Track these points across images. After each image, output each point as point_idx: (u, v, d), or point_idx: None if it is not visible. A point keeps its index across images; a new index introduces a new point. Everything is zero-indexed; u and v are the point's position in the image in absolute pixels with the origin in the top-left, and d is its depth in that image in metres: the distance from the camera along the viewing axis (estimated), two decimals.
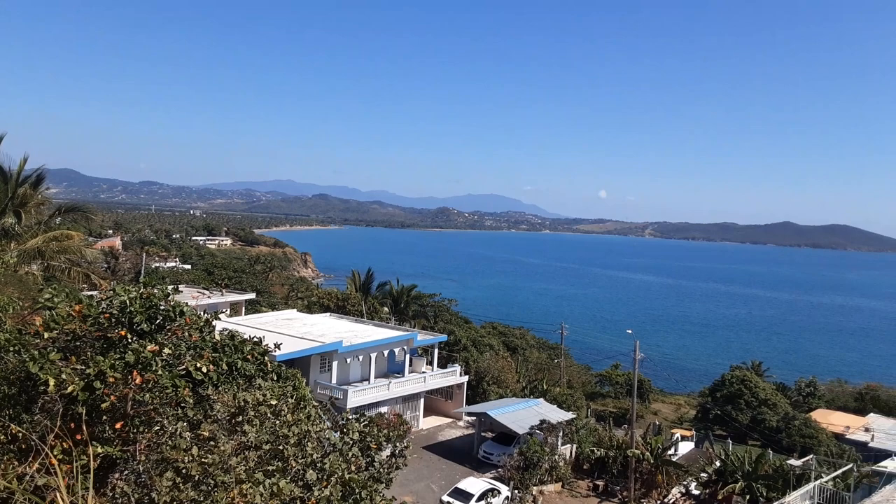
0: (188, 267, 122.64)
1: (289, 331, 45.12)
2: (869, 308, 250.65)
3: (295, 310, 60.13)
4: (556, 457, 39.24)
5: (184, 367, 10.08)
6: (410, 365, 49.18)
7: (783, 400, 70.78)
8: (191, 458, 7.87)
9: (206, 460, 7.93)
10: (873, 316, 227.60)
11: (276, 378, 12.48)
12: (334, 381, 43.36)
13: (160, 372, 9.25)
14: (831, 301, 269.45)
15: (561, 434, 42.27)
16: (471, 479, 35.99)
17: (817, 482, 36.26)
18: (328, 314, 58.12)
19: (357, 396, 42.55)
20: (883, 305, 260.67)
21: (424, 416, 49.26)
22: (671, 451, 44.03)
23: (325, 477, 9.08)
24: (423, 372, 49.48)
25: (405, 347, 48.29)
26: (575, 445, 43.00)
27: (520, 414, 42.82)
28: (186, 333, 10.93)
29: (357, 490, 9.08)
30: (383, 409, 44.02)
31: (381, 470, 10.76)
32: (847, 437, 62.80)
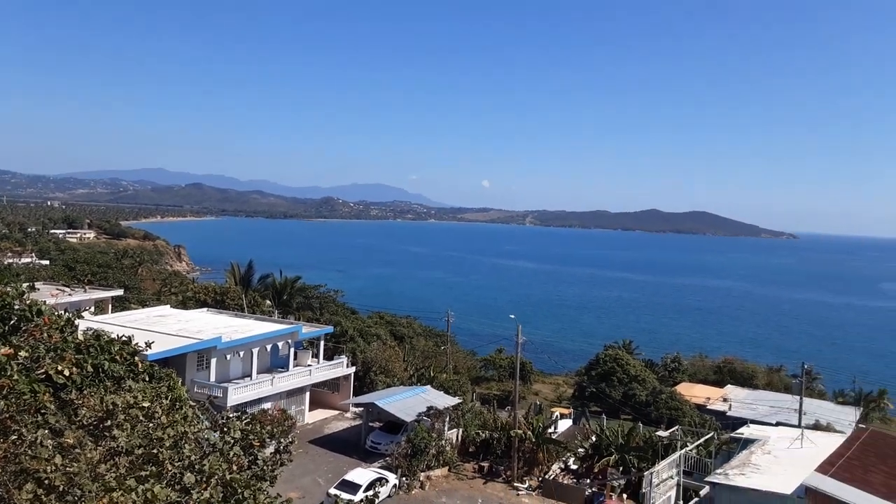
0: (46, 262, 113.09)
1: (162, 328, 42.81)
2: (724, 288, 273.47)
3: (168, 306, 57.05)
4: (443, 442, 39.93)
5: (43, 370, 9.37)
6: (295, 358, 48.20)
7: (651, 375, 75.77)
8: (53, 468, 7.36)
9: (70, 469, 7.44)
10: (728, 295, 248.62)
11: (148, 379, 11.86)
12: (213, 378, 41.67)
13: (16, 377, 8.52)
14: (692, 282, 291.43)
15: (447, 419, 43.02)
16: (358, 469, 35.90)
17: (682, 451, 39.28)
18: (205, 309, 55.67)
19: (238, 394, 41.16)
20: (736, 285, 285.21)
21: (311, 409, 48.50)
22: (551, 430, 46.01)
23: (204, 479, 8.78)
24: (309, 365, 48.64)
25: (289, 341, 47.24)
26: (461, 429, 43.93)
27: (407, 402, 43.15)
28: (45, 334, 10.17)
29: (239, 490, 8.84)
30: (267, 405, 42.89)
31: (265, 468, 10.53)
32: (708, 407, 68.37)
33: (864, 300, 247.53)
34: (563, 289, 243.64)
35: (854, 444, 32.07)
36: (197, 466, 8.80)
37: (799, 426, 40.94)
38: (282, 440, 11.45)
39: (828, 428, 55.04)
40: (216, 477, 8.72)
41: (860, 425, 54.95)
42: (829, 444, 33.41)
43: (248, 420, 11.26)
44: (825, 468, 28.03)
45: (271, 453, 11.01)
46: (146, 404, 9.51)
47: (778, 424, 50.18)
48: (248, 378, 44.13)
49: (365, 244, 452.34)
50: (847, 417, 64.32)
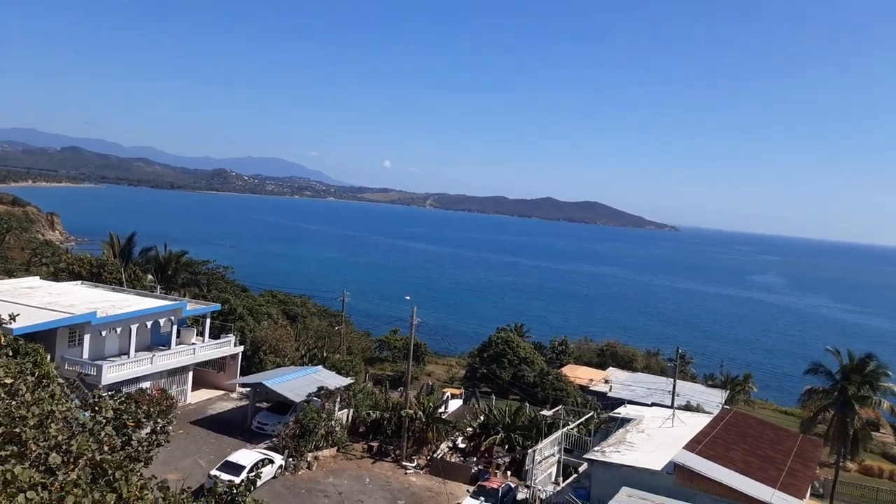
0: None
1: (30, 301, 39.71)
2: (611, 275, 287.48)
3: (38, 277, 52.93)
4: (333, 422, 39.66)
5: None
6: (178, 336, 46.15)
7: (540, 357, 78.65)
8: None
9: None
10: (614, 282, 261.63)
11: (11, 354, 11.01)
12: (86, 356, 39.15)
13: None
14: (582, 269, 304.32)
15: (338, 399, 42.77)
16: (242, 451, 35.01)
17: (564, 429, 41.12)
18: (80, 282, 52.12)
19: (113, 372, 38.92)
20: (622, 273, 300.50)
21: (194, 389, 46.69)
22: (441, 410, 46.76)
23: (71, 459, 8.29)
24: (193, 343, 46.72)
25: (172, 318, 45.11)
26: (352, 410, 43.80)
27: (297, 382, 42.45)
28: None
29: (110, 471, 8.39)
30: (145, 385, 40.86)
31: (140, 448, 10.06)
32: (591, 388, 71.96)
33: (734, 290, 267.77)
34: (460, 272, 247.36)
35: (719, 424, 34.76)
36: (64, 447, 8.29)
37: (671, 407, 43.81)
38: (159, 420, 10.95)
39: (697, 409, 59.34)
40: (85, 458, 8.24)
41: (726, 406, 59.69)
42: (697, 423, 36.01)
43: (123, 399, 10.69)
44: (692, 446, 30.19)
45: (147, 434, 10.51)
46: (9, 381, 8.88)
47: (653, 405, 53.53)
48: (126, 356, 41.81)
49: (259, 220, 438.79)
50: (715, 399, 69.56)
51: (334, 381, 44.24)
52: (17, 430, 8.08)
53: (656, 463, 29.90)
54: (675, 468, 28.50)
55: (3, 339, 10.82)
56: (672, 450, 30.19)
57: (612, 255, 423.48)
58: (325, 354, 55.39)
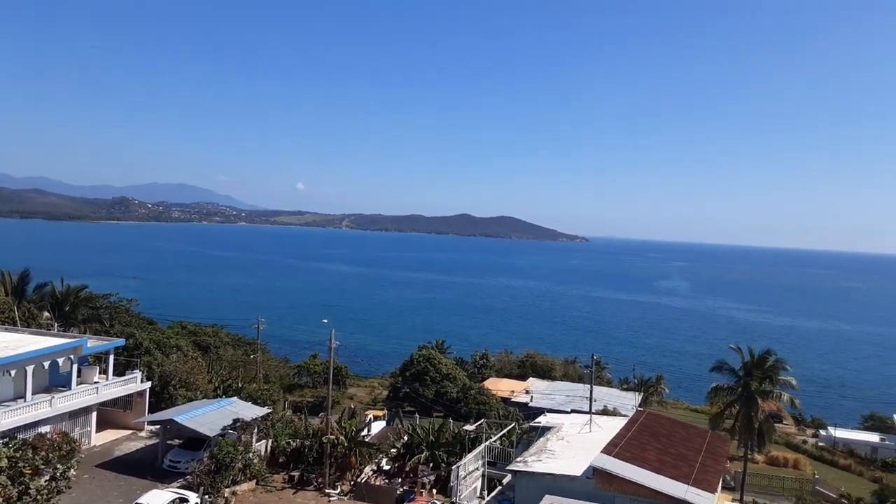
0: None
1: None
2: (528, 288, 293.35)
3: None
4: (251, 454, 38.19)
5: None
6: (79, 376, 43.34)
7: (462, 373, 78.95)
8: None
9: None
10: (531, 294, 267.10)
11: None
12: None
13: None
14: (499, 283, 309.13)
15: (256, 431, 41.27)
16: (154, 491, 33.12)
17: (487, 443, 41.32)
18: None
19: (8, 418, 36.04)
20: (539, 285, 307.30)
21: (99, 430, 43.91)
22: (364, 433, 45.98)
23: None
24: (96, 382, 44.01)
25: (72, 357, 42.33)
26: (271, 440, 42.38)
27: (210, 416, 40.70)
28: None
29: None
30: (45, 429, 38.06)
31: (39, 498, 9.35)
32: (512, 399, 72.87)
33: (643, 296, 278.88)
34: (378, 292, 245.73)
35: (633, 426, 35.86)
36: None
37: (589, 412, 44.86)
38: (59, 466, 10.20)
39: (614, 412, 61.18)
40: None
41: (640, 408, 61.79)
42: (614, 427, 37.04)
43: (19, 446, 9.92)
44: (609, 449, 30.99)
45: (46, 481, 9.76)
46: None
47: (572, 412, 54.73)
48: (22, 399, 38.85)
49: (165, 248, 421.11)
50: (630, 402, 71.99)
51: (251, 411, 42.69)
52: None
53: (576, 468, 30.50)
54: (594, 472, 29.15)
55: None
56: (591, 454, 30.88)
57: (527, 267, 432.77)
58: (240, 385, 53.43)
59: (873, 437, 77.69)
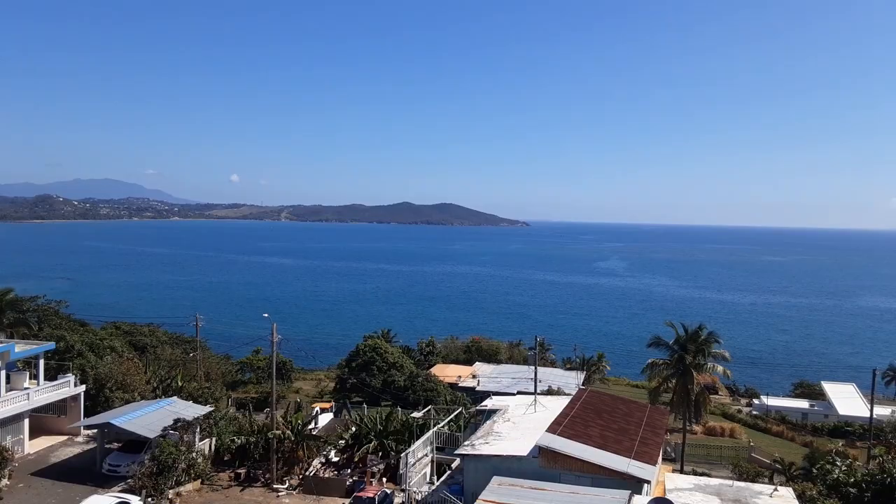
0: None
1: None
2: (470, 273, 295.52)
3: None
4: (194, 454, 37.35)
5: None
6: (8, 382, 41.42)
7: (409, 361, 79.04)
8: None
9: None
10: (474, 280, 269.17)
11: None
12: None
13: None
14: (442, 270, 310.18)
15: (198, 430, 40.35)
16: (94, 496, 32.08)
17: (435, 428, 41.59)
18: None
19: None
20: (482, 270, 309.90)
21: (32, 437, 42.19)
22: (311, 426, 45.64)
23: None
24: (27, 388, 42.14)
25: None
26: (214, 438, 41.54)
27: (150, 417, 39.59)
28: None
29: None
30: None
31: None
32: (460, 385, 73.43)
33: (582, 278, 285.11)
34: (320, 283, 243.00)
35: (577, 404, 36.72)
36: None
37: (534, 393, 45.65)
38: None
39: (558, 392, 62.46)
40: None
41: (583, 387, 63.29)
42: (558, 406, 37.83)
43: None
44: (554, 428, 31.66)
45: None
46: None
47: (518, 393, 55.61)
48: None
49: (94, 247, 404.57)
50: (573, 381, 73.58)
51: (192, 410, 41.71)
52: None
53: (523, 449, 31.06)
54: (540, 451, 29.75)
55: None
56: (536, 434, 31.50)
57: (469, 253, 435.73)
58: (180, 384, 52.03)
59: (803, 404, 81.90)
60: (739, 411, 79.29)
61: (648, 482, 28.08)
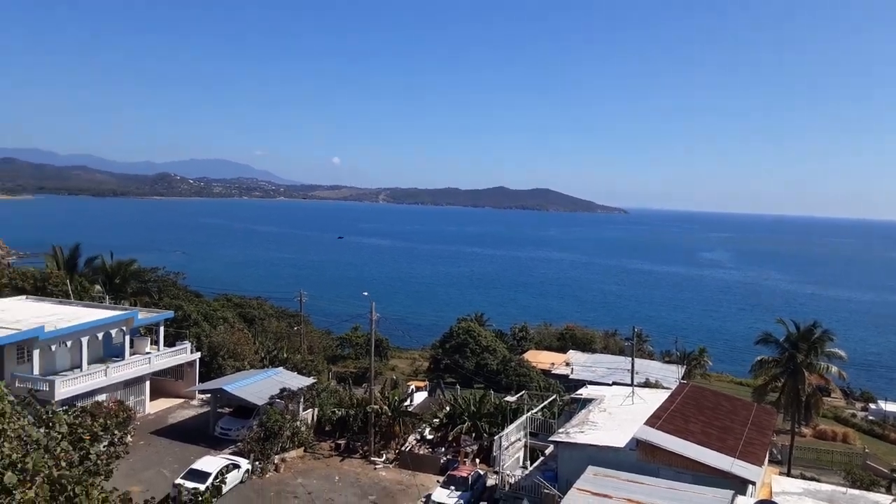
0: None
1: None
2: (566, 260, 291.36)
3: None
4: (298, 423, 39.24)
5: None
6: (132, 346, 44.98)
7: (502, 345, 79.20)
8: None
9: None
10: (569, 266, 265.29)
11: None
12: (37, 371, 37.82)
13: None
14: (536, 255, 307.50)
15: (302, 400, 42.31)
16: (207, 457, 34.36)
17: (528, 414, 41.55)
18: (24, 297, 50.21)
19: (67, 386, 37.72)
20: (577, 257, 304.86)
21: (153, 399, 45.64)
22: (407, 403, 46.75)
23: (28, 477, 8.02)
24: (148, 353, 45.59)
25: (124, 328, 43.88)
26: (316, 409, 43.40)
27: (258, 385, 41.84)
28: None
29: (69, 487, 8.13)
30: (101, 398, 39.68)
31: (99, 462, 9.76)
32: (553, 372, 72.90)
33: (684, 268, 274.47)
34: (415, 265, 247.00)
35: (677, 398, 35.61)
36: (19, 465, 8.00)
37: (631, 385, 44.68)
38: (116, 432, 10.65)
39: (656, 385, 60.76)
40: (42, 475, 7.97)
41: (683, 381, 61.26)
42: (656, 399, 36.84)
43: (77, 413, 10.37)
44: (653, 421, 30.88)
45: (105, 447, 10.20)
46: None
47: (613, 384, 54.56)
48: (79, 369, 40.53)
49: (209, 224, 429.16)
50: (672, 374, 71.26)
51: (296, 381, 43.74)
52: None
53: (619, 440, 30.50)
54: (638, 444, 29.12)
55: None
56: (634, 426, 30.83)
57: (564, 240, 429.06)
58: (285, 356, 54.67)
59: None
60: (854, 415, 74.28)
61: (753, 483, 26.92)
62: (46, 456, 8.63)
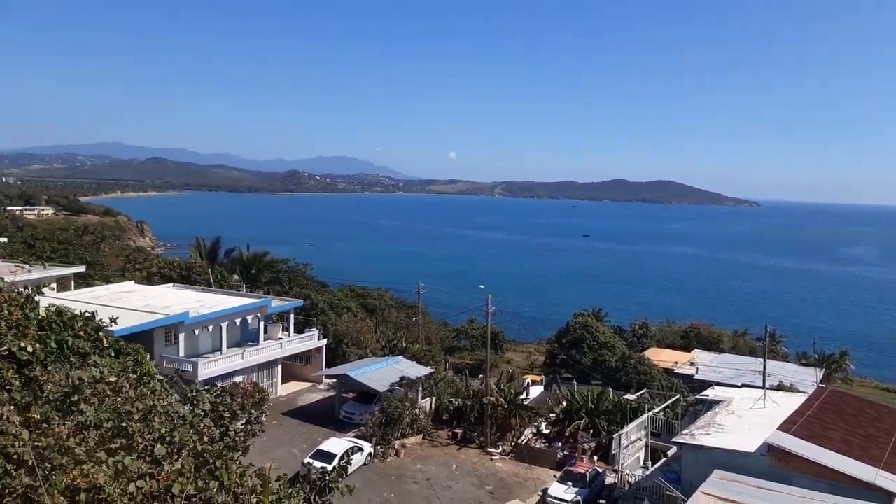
0: (4, 240, 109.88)
1: (127, 304, 42.04)
2: (689, 255, 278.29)
3: (133, 282, 56.03)
4: (417, 410, 40.25)
5: (5, 347, 9.16)
6: (265, 332, 47.89)
7: (620, 342, 77.10)
8: (22, 443, 7.19)
9: (39, 443, 7.29)
10: (693, 262, 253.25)
11: (114, 354, 11.67)
12: (182, 353, 41.21)
13: None
14: (657, 250, 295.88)
15: (420, 388, 43.34)
16: (333, 439, 36.02)
17: (650, 413, 40.20)
18: (171, 285, 54.82)
19: (208, 368, 40.82)
20: (702, 253, 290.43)
21: (283, 382, 48.42)
22: (523, 396, 46.68)
23: (175, 450, 8.70)
24: (280, 338, 48.42)
25: (259, 315, 46.84)
26: (434, 398, 44.30)
27: (380, 373, 43.28)
28: (6, 311, 9.91)
29: (211, 460, 8.77)
30: (238, 379, 42.61)
31: (237, 439, 10.45)
32: (676, 371, 69.97)
33: (823, 265, 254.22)
34: (531, 258, 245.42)
35: (815, 403, 33.13)
36: (167, 438, 8.70)
37: (762, 387, 42.10)
38: (253, 412, 11.36)
39: (791, 389, 56.81)
40: (187, 448, 8.63)
41: (821, 385, 56.92)
42: (791, 403, 34.47)
43: (218, 393, 11.16)
44: (787, 426, 28.93)
45: (242, 425, 10.92)
46: (113, 379, 9.39)
47: (743, 386, 51.56)
48: (219, 352, 43.74)
49: (334, 218, 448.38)
50: (809, 378, 66.33)
51: (415, 370, 44.84)
52: (124, 424, 8.53)
53: (749, 445, 28.84)
54: (770, 449, 27.41)
55: (105, 340, 11.48)
56: (765, 431, 29.05)
57: (687, 234, 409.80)
58: (404, 345, 56.20)
59: None
60: None
61: None
62: (191, 431, 9.32)
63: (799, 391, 51.08)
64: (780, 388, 55.23)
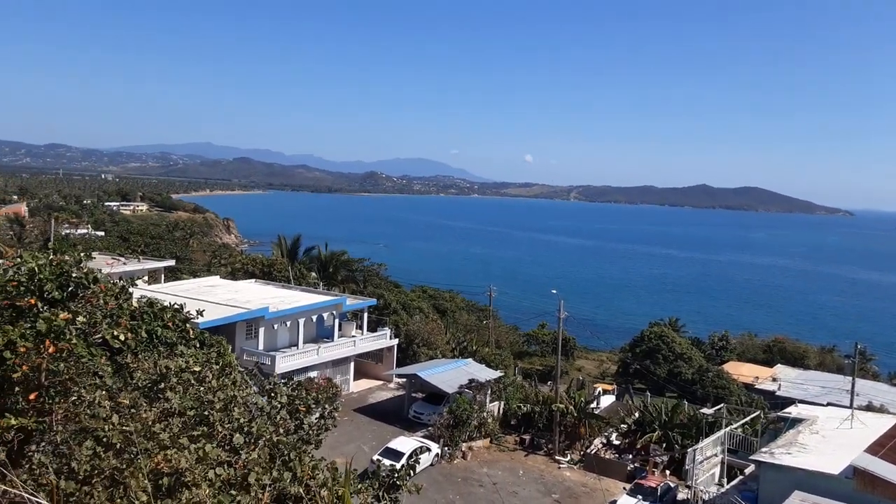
0: (101, 234, 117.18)
1: (212, 298, 44.00)
2: (775, 266, 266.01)
3: (218, 276, 58.61)
4: (485, 414, 40.28)
5: (100, 335, 9.78)
6: (340, 329, 49.03)
7: (698, 354, 74.54)
8: (111, 427, 7.70)
9: (127, 428, 7.78)
10: (779, 273, 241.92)
11: (199, 345, 12.25)
12: (261, 347, 42.77)
13: (74, 340, 8.92)
14: (740, 260, 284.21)
15: (489, 392, 43.34)
16: (401, 438, 36.53)
17: (727, 428, 38.77)
18: (253, 280, 56.97)
19: (285, 362, 42.17)
20: (787, 263, 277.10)
21: (355, 379, 49.43)
22: (593, 405, 45.91)
23: (252, 440, 9.06)
24: (353, 336, 49.46)
25: (334, 312, 48.01)
26: (502, 402, 44.20)
27: (449, 374, 43.53)
28: (101, 301, 10.56)
29: (286, 452, 9.10)
30: (313, 374, 43.86)
31: (311, 432, 10.78)
32: (756, 386, 67.05)
33: None
34: (606, 265, 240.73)
35: None
36: (245, 428, 9.08)
37: (850, 407, 39.84)
38: (326, 406, 11.69)
39: (881, 409, 53.48)
40: (263, 439, 9.00)
41: None
42: (881, 425, 32.53)
43: (295, 386, 11.53)
44: (875, 449, 27.36)
45: (316, 419, 11.27)
46: (197, 369, 9.86)
47: (828, 405, 48.93)
48: (295, 347, 45.18)
49: (409, 219, 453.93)
50: None
51: (484, 373, 44.87)
52: (206, 412, 8.98)
53: (833, 466, 27.40)
54: (856, 473, 25.97)
55: (192, 331, 12.11)
56: (851, 453, 27.54)
57: (775, 244, 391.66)
58: (474, 348, 56.33)
59: None
60: None
61: None
62: (268, 422, 9.71)
63: (890, 413, 48.03)
64: (869, 408, 52.07)
